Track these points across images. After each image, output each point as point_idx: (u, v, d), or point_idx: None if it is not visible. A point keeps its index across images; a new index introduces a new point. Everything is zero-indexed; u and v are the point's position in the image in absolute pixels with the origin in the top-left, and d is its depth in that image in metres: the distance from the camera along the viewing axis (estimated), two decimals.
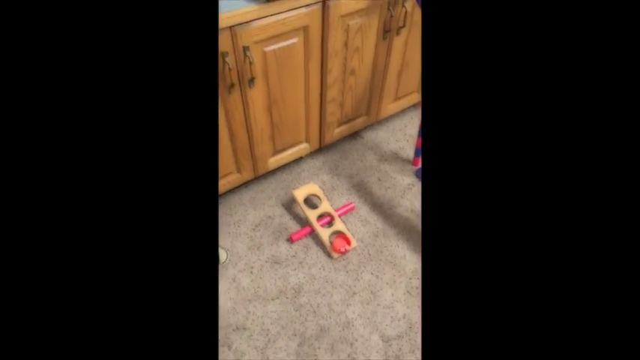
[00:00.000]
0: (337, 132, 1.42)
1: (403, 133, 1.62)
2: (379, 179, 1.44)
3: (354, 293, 1.14)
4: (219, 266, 1.18)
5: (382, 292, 1.14)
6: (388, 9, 1.15)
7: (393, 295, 1.14)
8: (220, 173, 1.20)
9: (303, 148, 1.37)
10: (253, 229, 1.28)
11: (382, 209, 1.35)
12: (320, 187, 1.41)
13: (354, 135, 1.60)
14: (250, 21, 0.92)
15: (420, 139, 1.40)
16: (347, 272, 1.18)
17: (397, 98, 1.51)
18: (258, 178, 1.43)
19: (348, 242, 1.22)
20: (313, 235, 1.27)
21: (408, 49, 1.33)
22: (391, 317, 1.09)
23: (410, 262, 1.21)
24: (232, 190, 1.39)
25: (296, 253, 1.23)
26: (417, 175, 1.45)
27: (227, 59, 0.93)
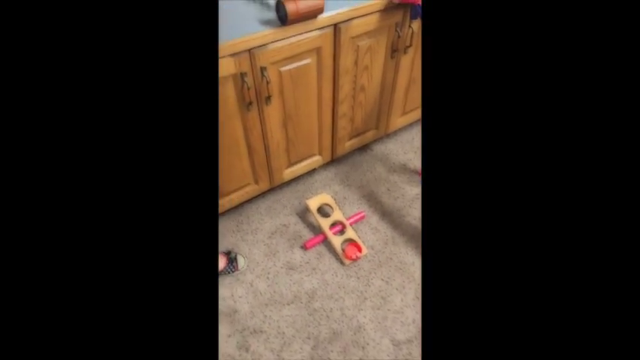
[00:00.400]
0: (348, 145, 1.49)
1: (411, 146, 1.68)
2: (388, 189, 1.50)
3: (365, 298, 1.19)
4: (239, 272, 1.25)
5: (392, 298, 1.19)
6: (396, 30, 1.23)
7: (402, 300, 1.18)
8: (239, 184, 1.28)
9: (316, 160, 1.44)
10: (269, 237, 1.35)
11: (392, 218, 1.40)
12: (332, 197, 1.47)
13: (364, 147, 1.67)
14: (267, 44, 1.00)
15: None
16: (358, 278, 1.24)
17: (405, 113, 1.58)
18: (274, 188, 1.51)
19: (360, 249, 1.27)
20: (326, 242, 1.33)
21: (414, 66, 1.41)
22: (401, 322, 1.14)
23: (419, 269, 1.25)
24: (250, 200, 1.47)
25: (310, 259, 1.29)
26: None
27: (246, 79, 1.02)
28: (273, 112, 1.16)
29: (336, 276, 1.24)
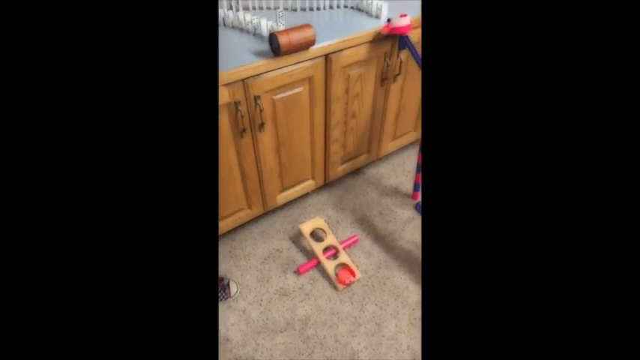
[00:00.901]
0: (341, 169, 1.51)
1: (402, 169, 1.71)
2: (381, 213, 1.52)
3: (359, 325, 1.18)
4: (231, 299, 1.23)
5: (386, 324, 1.18)
6: (385, 59, 1.27)
7: (397, 326, 1.17)
8: (232, 209, 1.29)
9: (309, 184, 1.45)
10: (262, 262, 1.35)
11: (384, 242, 1.41)
12: (325, 221, 1.48)
13: (356, 171, 1.69)
14: (261, 74, 1.04)
15: (418, 174, 1.48)
16: (352, 303, 1.23)
17: (396, 137, 1.61)
18: (267, 213, 1.51)
19: (353, 274, 1.27)
20: (319, 267, 1.33)
21: (404, 93, 1.45)
22: (395, 349, 1.13)
23: (412, 294, 1.25)
24: (243, 225, 1.46)
25: (303, 285, 1.28)
26: (416, 209, 1.52)
27: (240, 107, 1.05)
28: (266, 139, 1.18)
29: (330, 301, 1.23)
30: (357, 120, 1.39)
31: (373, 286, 1.27)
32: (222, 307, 1.22)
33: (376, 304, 1.23)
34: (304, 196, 1.58)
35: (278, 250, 1.39)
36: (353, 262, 1.34)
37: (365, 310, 1.21)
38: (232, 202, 1.26)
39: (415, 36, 1.29)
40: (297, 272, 1.30)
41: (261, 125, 1.13)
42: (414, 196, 1.56)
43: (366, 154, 1.56)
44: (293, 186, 1.41)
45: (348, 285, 1.26)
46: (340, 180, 1.65)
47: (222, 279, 1.25)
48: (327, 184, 1.63)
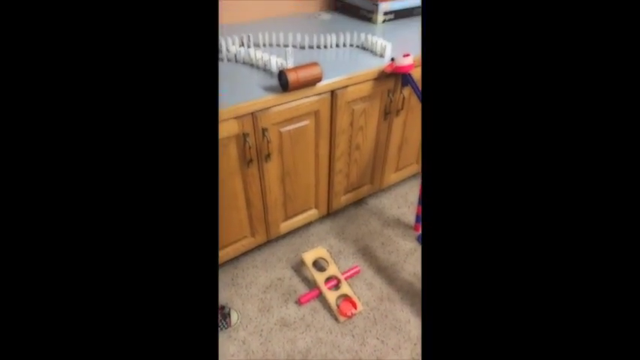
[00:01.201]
0: (344, 199, 1.53)
1: (405, 200, 1.73)
2: (383, 244, 1.52)
3: (361, 359, 1.16)
4: (231, 329, 1.22)
5: (388, 358, 1.16)
6: (388, 95, 1.33)
7: None
8: (235, 237, 1.30)
9: (312, 213, 1.47)
10: (264, 292, 1.34)
11: (386, 273, 1.41)
12: (327, 250, 1.48)
13: (359, 202, 1.71)
14: (269, 107, 1.08)
15: (420, 206, 1.50)
16: (353, 337, 1.21)
17: (398, 169, 1.64)
18: (270, 241, 1.52)
19: (355, 306, 1.26)
20: (321, 297, 1.32)
21: (406, 127, 1.50)
22: None
23: (414, 328, 1.24)
24: (245, 253, 1.47)
25: (304, 315, 1.27)
26: (418, 240, 1.53)
27: (248, 139, 1.08)
28: (272, 169, 1.22)
29: (331, 334, 1.22)
30: (361, 152, 1.42)
31: (375, 319, 1.26)
32: (222, 337, 1.21)
33: (377, 338, 1.21)
34: (307, 225, 1.60)
35: (280, 279, 1.39)
36: (355, 293, 1.33)
37: (366, 343, 1.20)
38: (236, 230, 1.28)
39: (417, 74, 1.35)
40: (299, 302, 1.30)
41: (268, 156, 1.17)
42: (416, 228, 1.57)
43: (369, 184, 1.58)
44: (296, 215, 1.43)
45: (350, 317, 1.25)
46: (343, 210, 1.67)
47: (223, 307, 1.24)
48: (330, 214, 1.64)
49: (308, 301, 1.30)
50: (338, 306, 1.26)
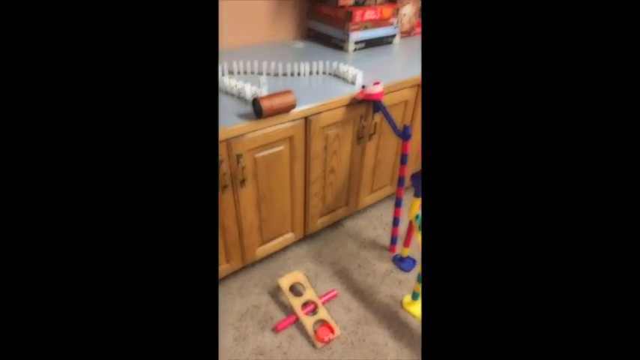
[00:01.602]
0: (320, 222, 1.54)
1: (380, 222, 1.76)
2: (359, 266, 1.53)
3: None
4: None
5: None
6: (360, 121, 1.37)
7: None
8: None
9: (288, 237, 1.47)
10: (240, 320, 1.31)
11: (363, 295, 1.41)
12: (304, 274, 1.48)
13: (335, 224, 1.73)
14: (244, 134, 1.10)
15: (396, 227, 1.53)
16: None
17: (373, 191, 1.68)
18: (247, 266, 1.50)
19: (332, 331, 1.25)
20: (298, 323, 1.30)
21: (379, 150, 1.54)
22: None
23: (392, 350, 1.24)
24: (221, 280, 1.44)
25: (281, 343, 1.25)
26: (394, 262, 1.55)
27: (222, 165, 1.09)
28: (247, 194, 1.22)
29: None
30: (336, 175, 1.45)
31: (352, 344, 1.25)
32: None
33: None
34: (284, 249, 1.59)
35: (256, 306, 1.36)
36: (332, 317, 1.32)
37: None
38: None
39: (387, 101, 1.41)
40: (275, 330, 1.28)
41: (243, 181, 1.17)
42: (391, 249, 1.60)
43: (345, 207, 1.60)
44: (273, 239, 1.43)
45: (327, 343, 1.24)
46: (319, 232, 1.68)
47: None
48: (306, 237, 1.65)
49: (285, 327, 1.28)
50: (315, 331, 1.25)
